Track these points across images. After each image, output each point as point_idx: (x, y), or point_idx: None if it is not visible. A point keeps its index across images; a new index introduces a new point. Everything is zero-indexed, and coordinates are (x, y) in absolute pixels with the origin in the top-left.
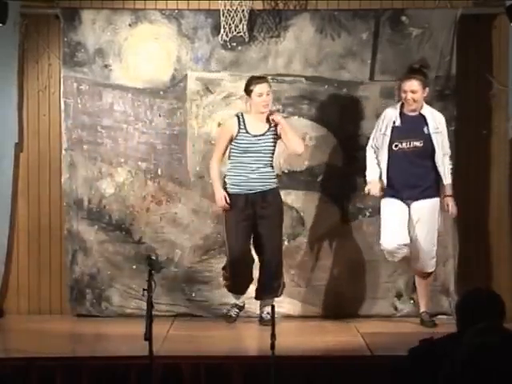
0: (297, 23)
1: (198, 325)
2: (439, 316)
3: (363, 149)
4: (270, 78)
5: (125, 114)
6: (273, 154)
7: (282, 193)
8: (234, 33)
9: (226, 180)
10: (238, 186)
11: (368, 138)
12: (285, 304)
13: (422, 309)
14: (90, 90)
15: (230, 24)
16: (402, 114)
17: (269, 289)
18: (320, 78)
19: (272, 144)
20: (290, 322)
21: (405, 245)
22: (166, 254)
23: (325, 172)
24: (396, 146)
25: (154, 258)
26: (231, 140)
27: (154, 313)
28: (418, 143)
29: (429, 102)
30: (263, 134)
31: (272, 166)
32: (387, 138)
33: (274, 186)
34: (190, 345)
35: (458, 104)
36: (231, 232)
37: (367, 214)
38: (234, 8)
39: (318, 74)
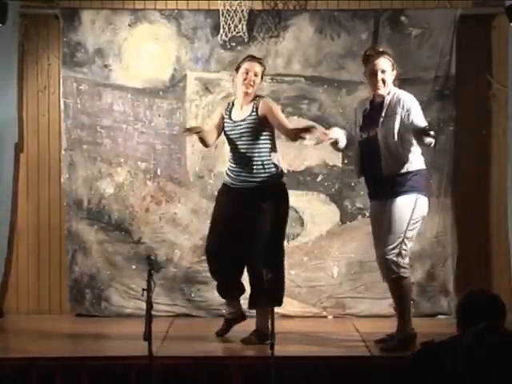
0: (296, 23)
1: (197, 325)
2: (439, 316)
3: None
4: (269, 77)
5: (124, 114)
6: (261, 143)
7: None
8: (234, 33)
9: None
10: (226, 174)
11: None
12: (284, 304)
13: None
14: (90, 90)
15: (229, 24)
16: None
17: (253, 298)
18: (319, 78)
19: (252, 130)
20: (289, 322)
21: None
22: (165, 254)
23: (324, 172)
24: (361, 136)
25: (153, 258)
26: (223, 119)
27: (153, 313)
28: (376, 129)
29: (428, 102)
30: (243, 120)
31: (263, 159)
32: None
33: (264, 179)
34: (189, 345)
35: (458, 104)
36: (211, 223)
37: (366, 214)
38: (234, 8)
39: (318, 74)
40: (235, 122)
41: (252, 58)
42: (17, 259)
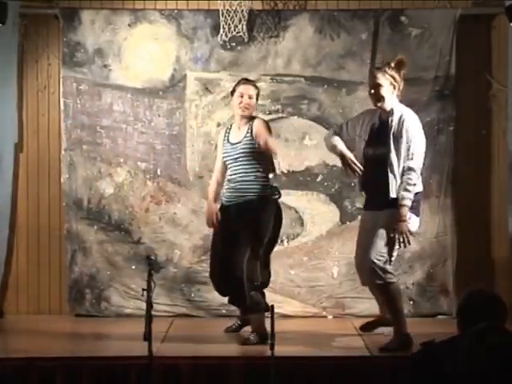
0: (296, 23)
1: (197, 325)
2: (439, 316)
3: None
4: (269, 78)
5: (124, 114)
6: (256, 161)
7: (282, 193)
8: (234, 33)
9: None
10: (222, 194)
11: None
12: (284, 304)
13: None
14: (90, 90)
15: (229, 24)
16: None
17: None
18: (319, 78)
19: (249, 151)
20: (289, 322)
21: None
22: (165, 254)
23: (324, 172)
24: (367, 152)
25: (153, 258)
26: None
27: (153, 313)
28: (382, 149)
29: (428, 102)
30: (239, 142)
31: (257, 175)
32: (364, 142)
33: (254, 196)
34: (189, 345)
35: (457, 104)
36: (211, 247)
37: None
38: (234, 8)
39: (318, 74)
40: (232, 144)
41: (246, 80)
42: (16, 259)
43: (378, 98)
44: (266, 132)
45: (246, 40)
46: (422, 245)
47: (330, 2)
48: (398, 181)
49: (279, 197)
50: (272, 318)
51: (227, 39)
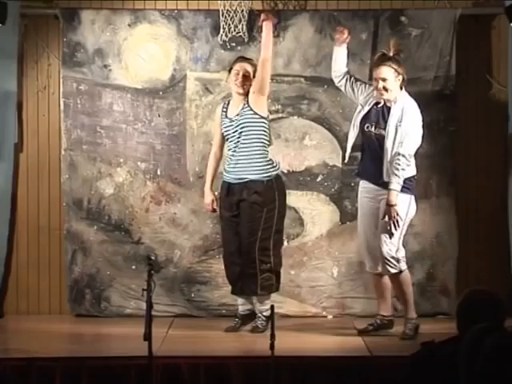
0: (296, 23)
1: (197, 325)
2: (439, 316)
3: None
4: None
5: (124, 114)
6: (254, 137)
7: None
8: (234, 33)
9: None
10: (224, 173)
11: None
12: (284, 304)
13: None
14: (90, 90)
15: (229, 24)
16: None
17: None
18: (319, 78)
19: (247, 122)
20: (289, 322)
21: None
22: (165, 254)
23: (324, 172)
24: (367, 127)
25: (153, 258)
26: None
27: (153, 313)
28: (382, 132)
29: (428, 102)
30: (238, 114)
31: (259, 155)
32: (362, 112)
33: (258, 177)
34: (189, 345)
35: (457, 104)
36: (221, 225)
37: None
38: (234, 8)
39: (318, 74)
40: (231, 119)
41: (243, 58)
42: (16, 259)
43: (384, 90)
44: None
45: (246, 40)
46: (422, 245)
47: (329, 2)
48: (388, 167)
49: (279, 167)
50: (272, 317)
51: (227, 39)
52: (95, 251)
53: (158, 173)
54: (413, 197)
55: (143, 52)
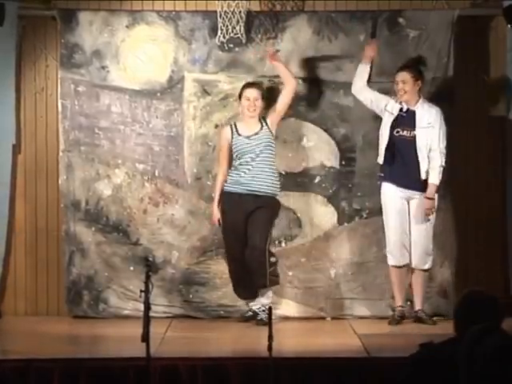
0: (294, 25)
1: (195, 326)
2: (436, 317)
3: (360, 150)
4: (267, 79)
5: (122, 116)
6: (271, 156)
7: (279, 194)
8: (231, 34)
9: (226, 179)
10: (233, 185)
11: (365, 139)
12: (282, 305)
13: (417, 307)
14: (88, 92)
15: (227, 25)
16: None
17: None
18: (317, 79)
19: (266, 142)
20: (288, 324)
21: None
22: (163, 255)
23: (322, 173)
24: (398, 132)
25: (151, 259)
26: (230, 148)
27: (151, 314)
28: (414, 133)
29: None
30: (256, 134)
31: (273, 172)
32: (391, 118)
33: (270, 192)
34: (187, 346)
35: (456, 105)
36: (226, 233)
37: (364, 215)
38: (232, 9)
39: (315, 75)
40: (247, 136)
41: (250, 84)
42: (14, 260)
43: (403, 92)
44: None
45: (243, 41)
46: None
47: (327, 4)
48: (426, 165)
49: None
50: (270, 319)
51: (225, 40)
52: (93, 252)
53: (156, 174)
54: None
55: (141, 53)
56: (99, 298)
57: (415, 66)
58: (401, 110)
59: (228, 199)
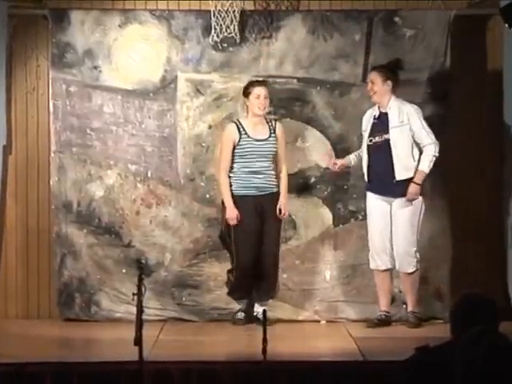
0: (289, 24)
1: (188, 329)
2: (432, 320)
3: (356, 151)
4: (261, 79)
5: (114, 116)
6: (273, 160)
7: None
8: (225, 34)
9: (231, 182)
10: (245, 187)
11: (360, 140)
12: (277, 308)
13: (408, 309)
14: (79, 92)
15: (220, 25)
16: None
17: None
18: (312, 79)
19: (275, 148)
20: (282, 327)
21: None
22: (155, 257)
23: (317, 175)
24: (371, 140)
25: (143, 261)
26: (234, 147)
27: (144, 317)
28: (386, 136)
29: (423, 104)
30: (266, 140)
31: (275, 170)
32: (366, 134)
33: (277, 190)
34: (180, 350)
35: (452, 105)
36: (240, 237)
37: (359, 217)
38: (225, 9)
39: (310, 75)
40: (258, 140)
41: (258, 82)
42: (5, 263)
43: (372, 92)
44: (285, 139)
45: (237, 41)
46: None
47: (322, 3)
48: (404, 164)
49: None
50: (264, 322)
51: (219, 40)
52: (85, 254)
53: (149, 175)
54: (422, 200)
55: (134, 53)
56: (91, 300)
57: (387, 67)
58: (374, 117)
59: (242, 203)
